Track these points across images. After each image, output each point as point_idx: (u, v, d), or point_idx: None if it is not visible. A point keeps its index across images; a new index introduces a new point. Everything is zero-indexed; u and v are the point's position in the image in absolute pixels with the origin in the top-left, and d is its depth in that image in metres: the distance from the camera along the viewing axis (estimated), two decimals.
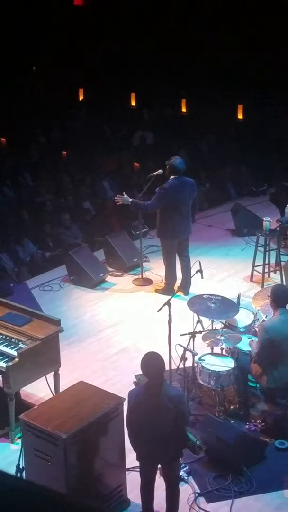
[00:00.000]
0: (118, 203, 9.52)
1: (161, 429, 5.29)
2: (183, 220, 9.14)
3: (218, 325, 7.69)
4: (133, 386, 6.75)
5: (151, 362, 5.35)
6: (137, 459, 5.58)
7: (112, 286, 10.05)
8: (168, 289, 9.32)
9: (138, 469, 5.83)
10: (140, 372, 7.33)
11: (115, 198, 9.59)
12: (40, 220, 12.50)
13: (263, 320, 7.28)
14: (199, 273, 8.00)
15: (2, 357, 6.71)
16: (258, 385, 7.02)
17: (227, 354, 7.17)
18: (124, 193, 9.50)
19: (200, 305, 7.32)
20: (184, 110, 19.66)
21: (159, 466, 5.76)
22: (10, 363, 6.52)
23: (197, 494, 6.01)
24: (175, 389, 5.70)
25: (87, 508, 1.75)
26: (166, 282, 9.50)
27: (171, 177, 9.08)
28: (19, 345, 6.74)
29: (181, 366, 7.17)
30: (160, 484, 5.73)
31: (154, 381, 5.34)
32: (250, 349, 6.99)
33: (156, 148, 16.68)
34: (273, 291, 6.77)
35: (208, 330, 7.50)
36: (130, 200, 9.30)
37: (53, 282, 10.15)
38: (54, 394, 6.79)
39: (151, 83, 19.54)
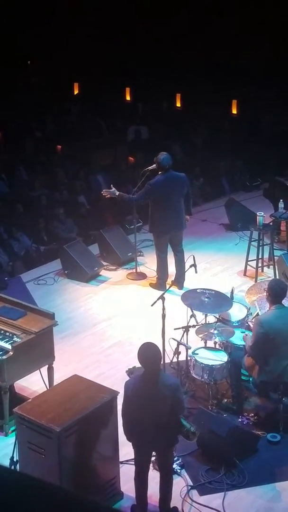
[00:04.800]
0: (106, 197, 9.58)
1: (159, 417, 5.36)
2: (172, 215, 9.16)
3: (211, 319, 7.72)
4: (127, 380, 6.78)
5: (148, 352, 5.41)
6: (133, 447, 5.63)
7: (106, 280, 10.08)
8: (160, 284, 9.35)
9: (131, 462, 5.88)
10: (132, 366, 7.44)
11: (102, 192, 9.64)
12: (35, 214, 12.51)
13: (257, 314, 7.32)
14: (193, 268, 8.03)
15: None
16: (251, 379, 7.06)
17: (220, 348, 7.21)
18: (112, 185, 9.54)
19: (193, 299, 7.35)
20: (178, 104, 19.66)
21: (153, 458, 5.81)
22: (4, 357, 6.54)
23: (189, 487, 6.04)
24: (171, 378, 5.76)
25: (81, 501, 1.77)
26: (158, 277, 9.52)
27: (159, 173, 9.13)
28: (13, 339, 6.76)
29: (175, 360, 7.22)
30: (153, 477, 5.77)
31: (151, 371, 5.40)
32: (243, 343, 7.03)
33: (151, 142, 16.69)
34: (270, 286, 6.75)
35: (201, 324, 7.54)
36: (117, 193, 9.34)
37: (48, 276, 10.17)
38: (48, 388, 6.81)
39: (146, 78, 19.54)
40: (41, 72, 21.13)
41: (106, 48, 19.82)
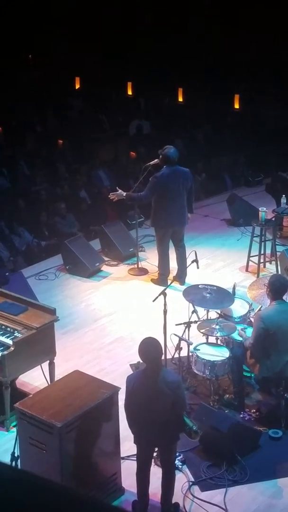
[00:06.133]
0: (113, 200, 9.55)
1: (159, 414, 5.33)
2: (176, 209, 9.13)
3: (213, 315, 7.70)
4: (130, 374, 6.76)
5: (149, 347, 5.38)
6: (134, 442, 5.61)
7: (107, 276, 10.06)
8: (162, 279, 9.32)
9: (133, 458, 5.87)
10: (134, 361, 7.41)
11: (109, 195, 9.62)
12: (36, 209, 12.48)
13: (259, 310, 7.30)
14: (194, 263, 8.00)
15: None
16: (252, 375, 7.04)
17: (222, 344, 7.19)
18: (117, 187, 9.53)
19: (195, 295, 7.33)
20: (180, 99, 19.62)
21: (155, 454, 5.80)
22: (5, 352, 6.53)
23: (191, 483, 6.03)
24: (172, 375, 5.73)
25: (82, 497, 1.76)
26: (160, 272, 9.50)
27: (164, 166, 9.10)
28: (15, 334, 6.74)
29: (176, 355, 7.20)
30: (155, 472, 5.76)
31: (152, 366, 5.37)
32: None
33: (153, 137, 16.65)
34: (271, 282, 6.72)
35: (203, 320, 7.51)
36: (124, 194, 9.32)
37: (49, 271, 10.15)
38: (49, 383, 6.80)
39: (147, 72, 19.49)
40: (42, 66, 21.07)
41: (107, 42, 19.77)
